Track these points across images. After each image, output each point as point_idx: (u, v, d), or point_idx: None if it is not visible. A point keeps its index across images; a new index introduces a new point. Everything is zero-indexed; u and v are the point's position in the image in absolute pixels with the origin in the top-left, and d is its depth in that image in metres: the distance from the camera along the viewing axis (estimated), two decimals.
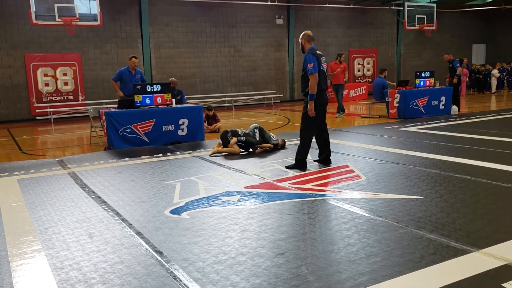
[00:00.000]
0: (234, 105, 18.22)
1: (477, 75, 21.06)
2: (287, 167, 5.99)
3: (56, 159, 7.41)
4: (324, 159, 6.20)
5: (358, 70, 22.11)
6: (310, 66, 5.64)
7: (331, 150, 6.25)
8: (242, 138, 7.20)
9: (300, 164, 5.96)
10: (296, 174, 5.60)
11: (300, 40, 5.94)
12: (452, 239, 3.26)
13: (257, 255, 3.13)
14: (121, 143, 8.16)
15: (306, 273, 2.81)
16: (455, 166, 5.68)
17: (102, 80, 16.27)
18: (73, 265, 3.09)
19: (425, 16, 18.59)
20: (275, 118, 13.65)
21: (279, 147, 7.58)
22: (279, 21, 19.55)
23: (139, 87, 8.41)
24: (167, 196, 4.78)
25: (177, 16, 17.36)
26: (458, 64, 13.24)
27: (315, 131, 6.06)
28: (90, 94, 16.09)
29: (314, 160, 6.33)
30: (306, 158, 6.01)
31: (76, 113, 15.67)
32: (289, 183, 5.13)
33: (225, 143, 7.20)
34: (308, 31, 5.99)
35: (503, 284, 2.55)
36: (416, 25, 18.46)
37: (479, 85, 21.09)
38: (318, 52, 5.85)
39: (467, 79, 19.81)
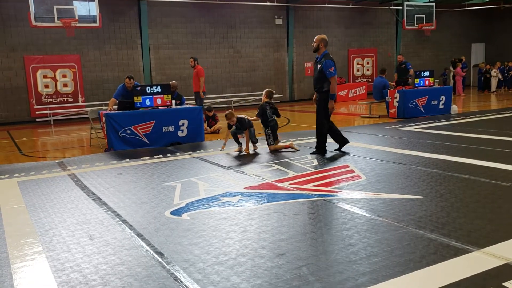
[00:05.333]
0: (233, 106, 18.23)
1: (485, 74, 21.01)
2: (313, 153, 6.94)
3: (56, 161, 7.41)
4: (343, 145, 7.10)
5: (358, 70, 22.12)
6: (331, 69, 6.52)
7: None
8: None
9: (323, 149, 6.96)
10: (296, 174, 5.61)
11: (317, 43, 6.68)
12: (453, 238, 3.26)
13: (258, 255, 3.13)
14: (121, 145, 8.16)
15: (307, 273, 2.81)
16: (455, 166, 5.68)
17: (102, 81, 16.28)
18: (74, 267, 3.09)
19: (424, 16, 18.59)
20: None
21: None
22: (278, 22, 19.55)
23: (138, 88, 8.42)
24: (168, 197, 4.78)
25: (176, 17, 17.37)
26: (410, 66, 13.88)
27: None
28: (90, 96, 16.09)
29: (335, 150, 7.09)
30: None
31: (76, 115, 15.68)
32: (289, 184, 5.13)
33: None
34: (325, 36, 6.87)
35: (504, 284, 2.55)
36: (415, 25, 18.46)
37: (485, 84, 21.02)
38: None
39: (463, 78, 19.75)
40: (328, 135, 7.03)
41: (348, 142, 7.09)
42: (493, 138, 7.67)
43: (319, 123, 6.94)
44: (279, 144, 7.54)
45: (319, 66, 6.70)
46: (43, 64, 15.26)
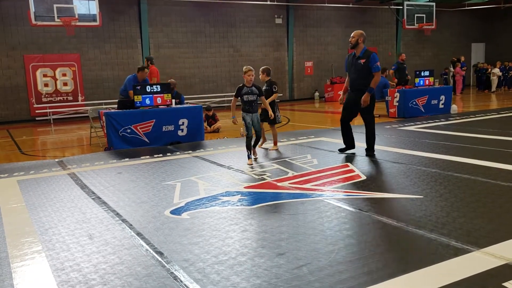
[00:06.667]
0: None
1: (485, 74, 20.99)
2: (369, 155, 6.53)
3: (56, 160, 7.41)
4: (351, 147, 6.90)
5: None
6: (378, 63, 6.40)
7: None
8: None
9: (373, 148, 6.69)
10: (296, 174, 5.60)
11: (356, 38, 6.44)
12: (452, 238, 3.25)
13: (258, 255, 3.13)
14: (121, 144, 8.16)
15: (306, 273, 2.81)
16: (454, 165, 5.68)
17: (102, 80, 16.28)
18: (74, 266, 3.09)
19: (424, 15, 18.59)
20: None
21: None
22: (279, 21, 19.55)
23: (138, 87, 8.41)
24: (167, 197, 4.78)
25: (176, 16, 17.36)
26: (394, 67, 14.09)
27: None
28: (90, 95, 16.09)
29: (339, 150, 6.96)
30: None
31: (75, 114, 15.67)
32: (289, 183, 5.13)
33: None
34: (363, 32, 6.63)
35: (503, 284, 2.55)
36: (416, 24, 18.45)
37: (486, 84, 21.01)
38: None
39: (462, 77, 19.72)
40: (341, 133, 6.89)
41: (353, 148, 6.88)
42: (493, 138, 7.66)
43: (368, 122, 6.60)
44: (275, 135, 7.55)
45: (361, 61, 6.38)
46: (43, 63, 15.26)
